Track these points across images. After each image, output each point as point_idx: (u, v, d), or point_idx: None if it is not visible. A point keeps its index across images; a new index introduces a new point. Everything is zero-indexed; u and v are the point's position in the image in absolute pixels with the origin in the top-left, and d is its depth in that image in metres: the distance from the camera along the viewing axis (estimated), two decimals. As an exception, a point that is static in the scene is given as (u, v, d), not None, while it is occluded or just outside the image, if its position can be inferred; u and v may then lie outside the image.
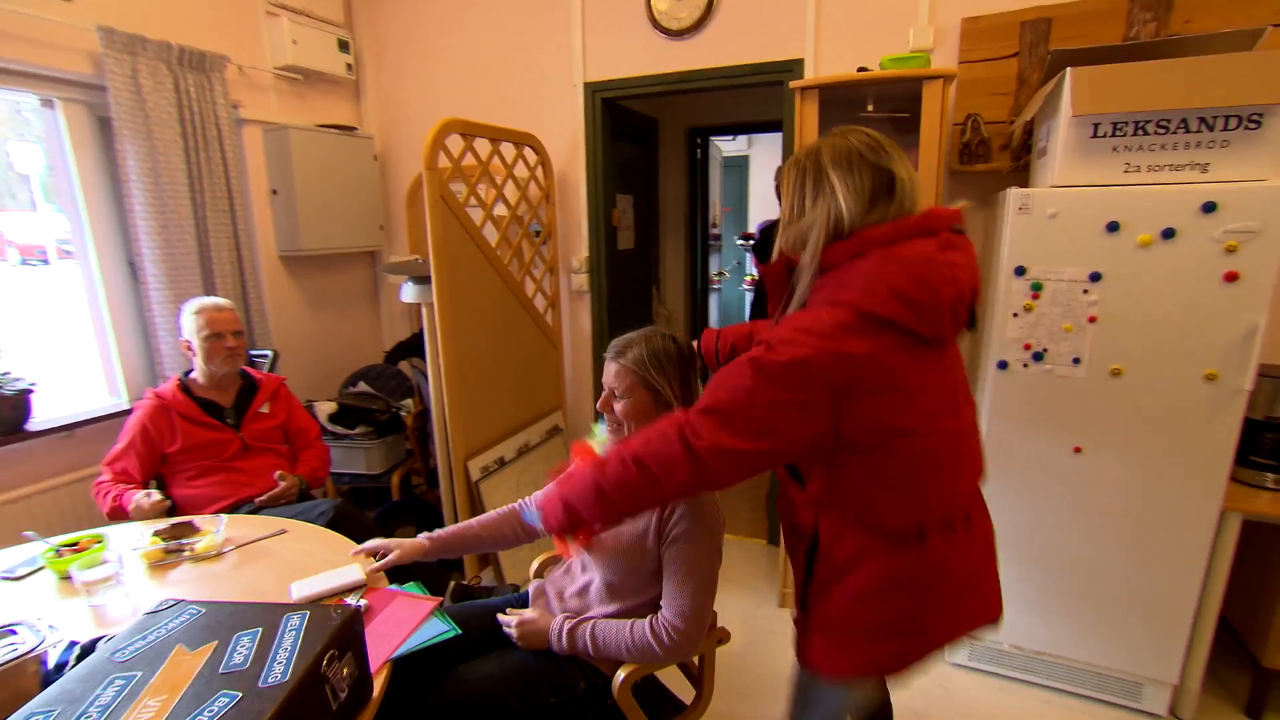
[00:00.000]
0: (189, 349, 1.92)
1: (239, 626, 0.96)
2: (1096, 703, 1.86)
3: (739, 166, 5.34)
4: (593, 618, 1.28)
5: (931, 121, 1.83)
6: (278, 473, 1.90)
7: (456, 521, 2.42)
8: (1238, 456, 1.61)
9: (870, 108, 2.11)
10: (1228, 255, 1.50)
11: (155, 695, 0.83)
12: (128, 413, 2.38)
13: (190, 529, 1.56)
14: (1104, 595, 1.77)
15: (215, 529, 1.54)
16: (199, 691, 0.83)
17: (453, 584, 1.95)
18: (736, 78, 2.50)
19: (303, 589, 1.31)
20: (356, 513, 1.80)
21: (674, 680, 1.46)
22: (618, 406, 1.26)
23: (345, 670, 0.95)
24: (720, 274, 4.58)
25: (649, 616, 1.23)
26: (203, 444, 1.87)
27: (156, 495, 1.74)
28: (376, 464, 2.60)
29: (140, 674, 0.87)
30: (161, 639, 0.94)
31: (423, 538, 1.43)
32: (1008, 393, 1.77)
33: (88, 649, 1.13)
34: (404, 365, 2.98)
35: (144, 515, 1.71)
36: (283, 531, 1.60)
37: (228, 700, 0.81)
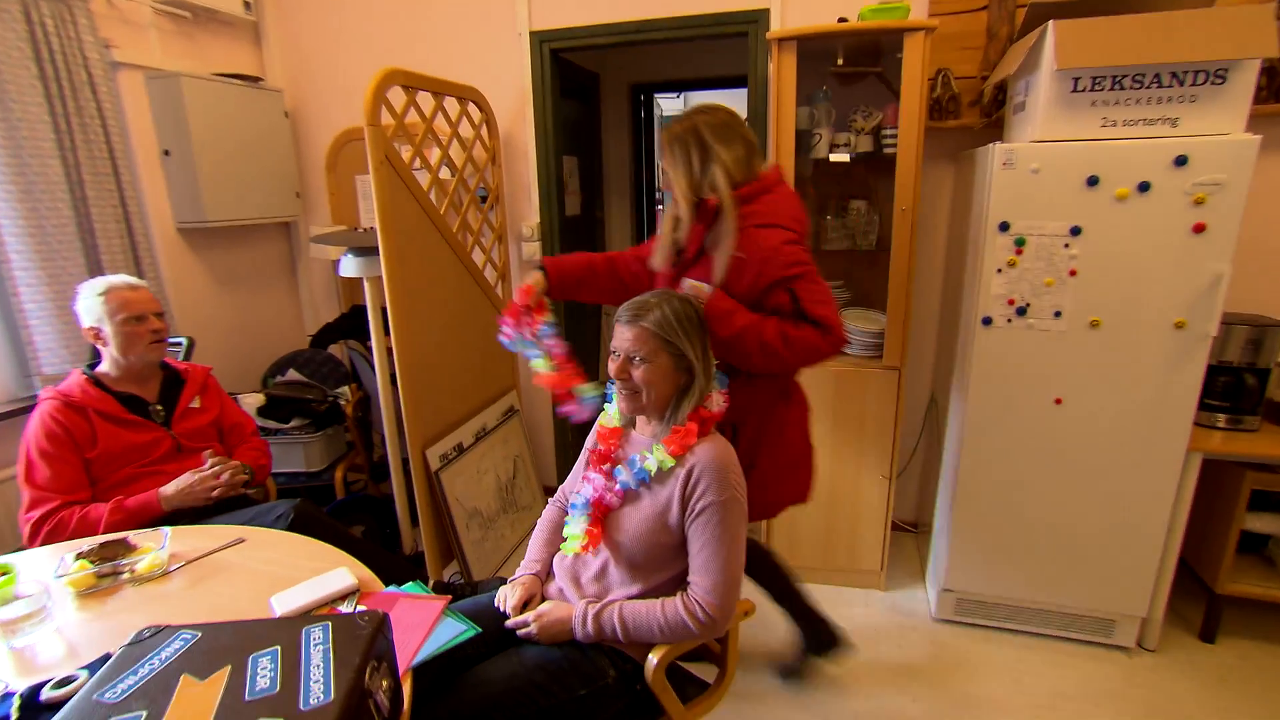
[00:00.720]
0: (97, 337, 1.71)
1: (251, 647, 0.88)
2: (1074, 643, 2.06)
3: (675, 127, 5.33)
4: (616, 600, 1.27)
5: (913, 76, 1.89)
6: (207, 451, 1.73)
7: (413, 517, 2.33)
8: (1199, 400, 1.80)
9: (840, 61, 2.16)
10: (1196, 207, 1.66)
11: (176, 734, 0.74)
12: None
13: (124, 547, 1.40)
14: (1080, 542, 1.95)
15: (158, 545, 1.39)
16: (228, 724, 0.76)
17: (432, 583, 1.87)
18: (696, 28, 2.47)
19: (286, 602, 1.22)
20: (318, 513, 1.68)
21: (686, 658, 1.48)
22: (637, 372, 1.26)
23: (384, 682, 0.89)
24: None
25: (678, 594, 1.24)
26: (128, 447, 1.67)
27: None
28: (317, 460, 2.44)
29: (145, 713, 0.78)
30: (158, 671, 0.84)
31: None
32: (992, 348, 1.89)
33: (29, 698, 1.00)
34: (335, 349, 2.79)
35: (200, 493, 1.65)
36: (240, 541, 1.47)
37: (269, 729, 0.74)
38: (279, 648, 0.87)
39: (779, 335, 1.41)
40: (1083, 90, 1.69)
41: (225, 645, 0.88)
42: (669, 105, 5.03)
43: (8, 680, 1.05)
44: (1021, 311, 1.84)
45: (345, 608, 1.22)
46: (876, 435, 2.21)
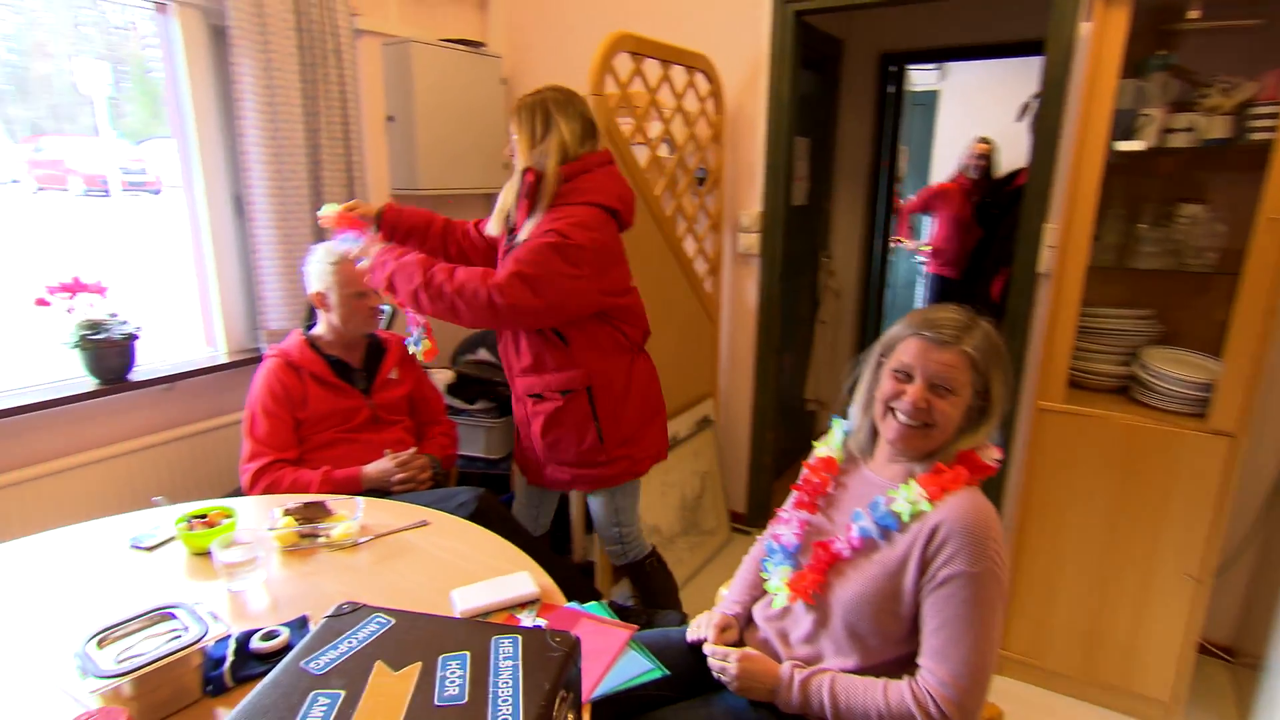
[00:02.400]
0: (322, 303, 1.97)
1: (442, 647, 0.94)
2: None
3: (925, 104, 5.02)
4: (829, 669, 1.20)
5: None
6: (386, 451, 1.93)
7: (587, 524, 2.42)
8: None
9: (1195, 13, 1.84)
10: None
11: (370, 724, 0.81)
12: (229, 366, 2.53)
13: (324, 511, 1.59)
14: None
15: (352, 514, 1.57)
16: (419, 726, 0.81)
17: (606, 603, 1.92)
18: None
19: (468, 599, 1.30)
20: (500, 507, 1.80)
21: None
22: (941, 405, 1.15)
23: (570, 715, 0.91)
24: (899, 240, 4.33)
25: (905, 678, 1.15)
26: (332, 411, 1.93)
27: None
28: (496, 447, 2.63)
29: (345, 693, 0.86)
30: (356, 651, 0.93)
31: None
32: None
33: (242, 644, 1.17)
34: (528, 332, 2.98)
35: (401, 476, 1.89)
36: (425, 523, 1.61)
37: (458, 744, 0.78)
38: (469, 654, 0.92)
39: (432, 274, 1.67)
40: None
41: (417, 639, 0.95)
42: (923, 79, 4.74)
43: (228, 624, 1.24)
44: None
45: (525, 617, 1.28)
46: (1184, 520, 1.88)
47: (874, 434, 1.30)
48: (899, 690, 1.13)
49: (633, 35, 2.08)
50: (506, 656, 0.92)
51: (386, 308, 2.55)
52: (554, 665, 0.90)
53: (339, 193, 2.66)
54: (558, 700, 0.87)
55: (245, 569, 1.36)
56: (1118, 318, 2.01)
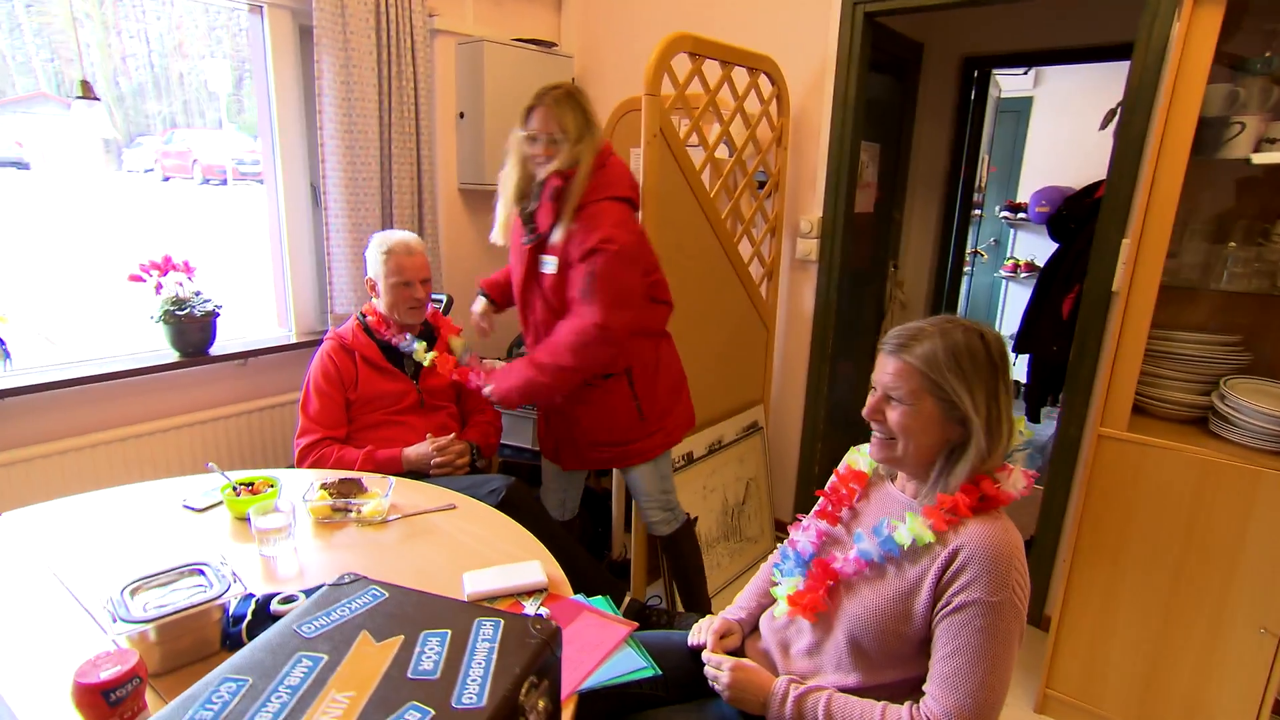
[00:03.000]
0: (373, 289, 2.06)
1: (426, 624, 0.96)
2: None
3: (1017, 111, 4.78)
4: (825, 687, 1.16)
5: None
6: (429, 436, 1.99)
7: (627, 521, 2.43)
8: None
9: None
10: None
11: (343, 689, 0.84)
12: (297, 346, 2.67)
13: (358, 487, 1.67)
14: None
15: (383, 493, 1.63)
16: (387, 696, 0.83)
17: (628, 599, 1.93)
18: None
19: (477, 582, 1.33)
20: (529, 497, 1.83)
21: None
22: (892, 415, 1.14)
23: (541, 703, 0.92)
24: (977, 253, 4.13)
25: (907, 704, 1.10)
26: (380, 394, 2.01)
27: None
28: (542, 440, 2.67)
29: (327, 658, 0.89)
30: (347, 620, 0.97)
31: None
32: None
33: (262, 605, 1.23)
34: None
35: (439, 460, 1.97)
36: (452, 507, 1.66)
37: (419, 716, 0.80)
38: (450, 632, 0.94)
39: (550, 367, 1.78)
40: None
41: (404, 614, 0.98)
42: (1011, 84, 4.53)
43: (253, 585, 1.31)
44: None
45: (529, 605, 1.30)
46: (1259, 567, 1.73)
47: None
48: (898, 715, 1.09)
49: (691, 35, 2.08)
50: (485, 638, 0.94)
51: (441, 297, 2.64)
52: (529, 650, 0.91)
53: (407, 184, 2.77)
54: (526, 685, 0.88)
55: (278, 536, 1.44)
56: (1196, 343, 1.86)
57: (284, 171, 2.63)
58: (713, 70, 2.25)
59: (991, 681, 1.05)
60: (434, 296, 2.65)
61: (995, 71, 3.66)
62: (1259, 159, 1.72)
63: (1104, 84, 4.24)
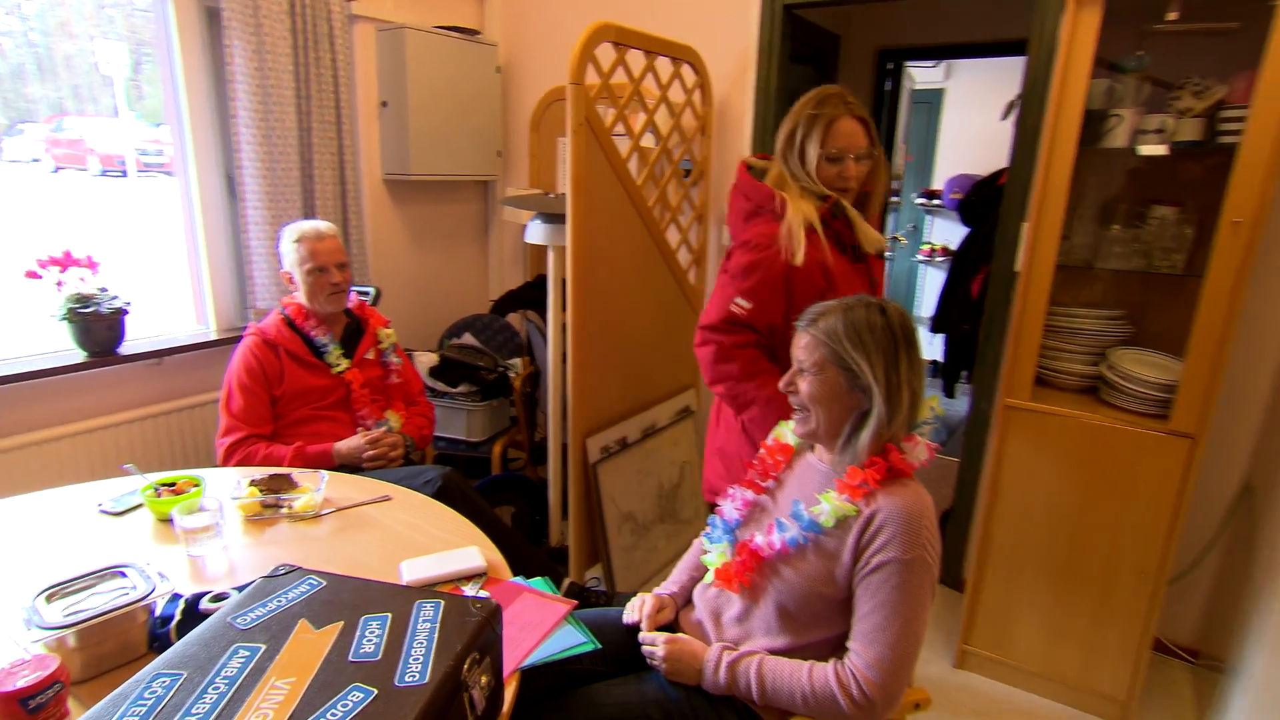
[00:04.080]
0: (290, 281, 2.02)
1: (366, 608, 0.97)
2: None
3: (929, 103, 4.99)
4: (757, 651, 1.23)
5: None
6: (360, 428, 1.95)
7: (564, 508, 2.46)
8: None
9: (1173, 15, 1.84)
10: None
11: (283, 676, 0.85)
12: (217, 344, 2.58)
13: (289, 483, 1.64)
14: None
15: (315, 487, 1.61)
16: (329, 679, 0.84)
17: (567, 582, 1.96)
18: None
19: (415, 570, 1.34)
20: (465, 486, 1.84)
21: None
22: (803, 386, 1.23)
23: (484, 678, 0.94)
24: (896, 239, 4.30)
25: (832, 661, 1.17)
26: (307, 389, 1.97)
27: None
28: (478, 430, 2.67)
29: (264, 647, 0.89)
30: (283, 609, 0.97)
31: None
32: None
33: (192, 604, 1.21)
34: (514, 318, 3.03)
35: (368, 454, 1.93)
36: (387, 498, 1.65)
37: (362, 696, 0.82)
38: (390, 615, 0.96)
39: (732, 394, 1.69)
40: None
41: (343, 600, 0.99)
42: (924, 76, 4.72)
43: (180, 585, 1.28)
44: None
45: (469, 589, 1.31)
46: (1145, 521, 1.89)
47: None
48: (824, 672, 1.16)
49: (615, 25, 2.10)
50: (426, 619, 0.95)
51: (370, 290, 2.60)
52: (469, 628, 0.93)
53: (329, 174, 2.70)
54: (468, 661, 0.90)
55: (205, 535, 1.41)
56: (1087, 318, 2.01)
57: (196, 162, 2.52)
58: (637, 60, 2.28)
59: (908, 632, 1.13)
60: (362, 290, 2.61)
61: (908, 64, 3.82)
62: (1140, 149, 1.88)
63: (1009, 77, 4.45)
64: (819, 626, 1.22)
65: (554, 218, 2.26)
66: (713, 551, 1.34)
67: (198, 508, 1.44)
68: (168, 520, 1.50)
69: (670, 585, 1.45)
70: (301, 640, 0.91)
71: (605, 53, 2.12)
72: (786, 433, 1.39)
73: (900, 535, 1.13)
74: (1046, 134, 1.86)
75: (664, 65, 2.45)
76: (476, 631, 0.94)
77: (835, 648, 1.21)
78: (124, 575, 1.18)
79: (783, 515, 1.26)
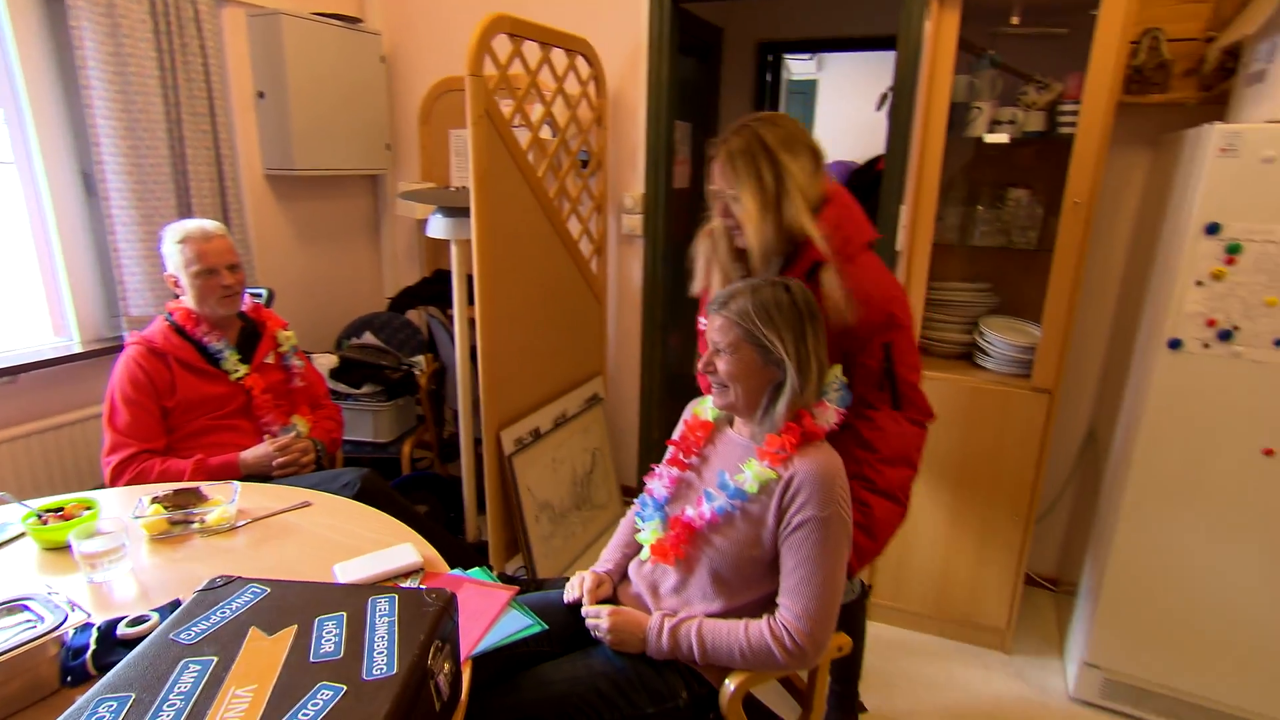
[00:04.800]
0: (176, 285, 1.89)
1: (318, 610, 0.96)
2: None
3: (804, 92, 5.26)
4: (695, 616, 1.30)
5: (1109, 37, 1.79)
6: (266, 435, 1.88)
7: (479, 502, 2.44)
8: None
9: (1016, 20, 2.06)
10: None
11: (243, 684, 0.83)
12: (83, 356, 2.37)
13: (197, 497, 1.55)
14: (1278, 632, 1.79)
15: (228, 499, 1.54)
16: (293, 681, 0.83)
17: (496, 574, 1.96)
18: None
19: (350, 572, 1.32)
20: (385, 486, 1.80)
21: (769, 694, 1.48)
22: (721, 365, 1.30)
23: (446, 665, 0.96)
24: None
25: (764, 616, 1.25)
26: (202, 398, 1.86)
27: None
28: (385, 431, 2.60)
29: (217, 659, 0.87)
30: (230, 620, 0.94)
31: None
32: (1180, 379, 1.76)
33: (107, 632, 1.13)
34: (414, 314, 2.96)
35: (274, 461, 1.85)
36: (307, 504, 1.60)
37: (332, 694, 0.81)
38: (345, 614, 0.95)
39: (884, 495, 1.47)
40: (1333, 65, 1.55)
41: (292, 604, 0.97)
42: (800, 68, 4.96)
43: (89, 612, 1.20)
44: (1225, 335, 1.70)
45: (408, 585, 1.30)
46: (1014, 468, 2.12)
47: None
48: (758, 628, 1.24)
49: (510, 16, 2.09)
50: (383, 614, 0.95)
51: (262, 291, 2.47)
52: (429, 618, 0.94)
53: (205, 170, 2.53)
54: (433, 650, 0.91)
55: (108, 559, 1.32)
56: (960, 290, 2.22)
57: (43, 156, 2.29)
58: (532, 52, 2.29)
59: (830, 584, 1.23)
60: (254, 291, 2.48)
61: (786, 56, 4.01)
62: (991, 138, 2.09)
63: (878, 69, 4.77)
64: (750, 588, 1.30)
65: (455, 211, 2.23)
66: (645, 529, 1.39)
67: (95, 531, 1.34)
68: (58, 548, 1.39)
69: (605, 564, 1.50)
70: (255, 648, 0.89)
71: (501, 44, 2.12)
72: (705, 410, 1.46)
73: (816, 494, 1.22)
74: (919, 124, 2.03)
75: (559, 57, 2.47)
76: (436, 620, 0.95)
77: (766, 605, 1.29)
78: (27, 609, 1.10)
79: (710, 487, 1.34)
